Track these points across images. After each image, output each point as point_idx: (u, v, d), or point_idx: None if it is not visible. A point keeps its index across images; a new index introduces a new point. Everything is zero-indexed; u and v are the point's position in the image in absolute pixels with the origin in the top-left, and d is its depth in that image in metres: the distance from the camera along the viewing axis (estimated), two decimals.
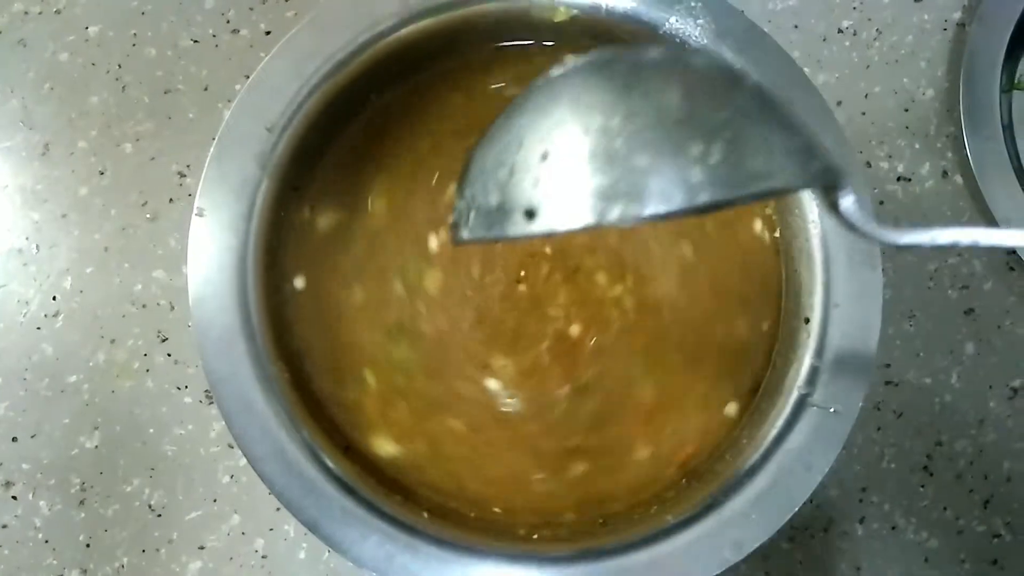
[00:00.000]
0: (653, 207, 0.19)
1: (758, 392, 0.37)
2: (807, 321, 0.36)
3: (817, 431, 0.34)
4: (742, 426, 0.36)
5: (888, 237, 0.24)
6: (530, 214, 0.21)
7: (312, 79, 0.35)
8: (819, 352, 0.35)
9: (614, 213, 0.19)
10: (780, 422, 0.34)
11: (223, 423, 0.41)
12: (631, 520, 0.35)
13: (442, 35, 0.37)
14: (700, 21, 0.35)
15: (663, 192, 0.19)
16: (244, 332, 0.34)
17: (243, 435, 0.33)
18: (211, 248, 0.34)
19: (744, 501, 0.33)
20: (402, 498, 0.36)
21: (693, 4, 0.35)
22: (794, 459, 0.34)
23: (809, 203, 0.36)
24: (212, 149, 0.34)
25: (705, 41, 0.35)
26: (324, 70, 0.35)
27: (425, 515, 0.35)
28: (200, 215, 0.34)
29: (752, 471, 0.34)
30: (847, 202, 0.22)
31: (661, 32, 0.36)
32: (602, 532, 0.35)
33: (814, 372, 0.34)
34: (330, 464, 0.34)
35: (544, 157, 0.21)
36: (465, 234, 0.23)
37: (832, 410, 0.34)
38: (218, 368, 0.33)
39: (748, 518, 0.33)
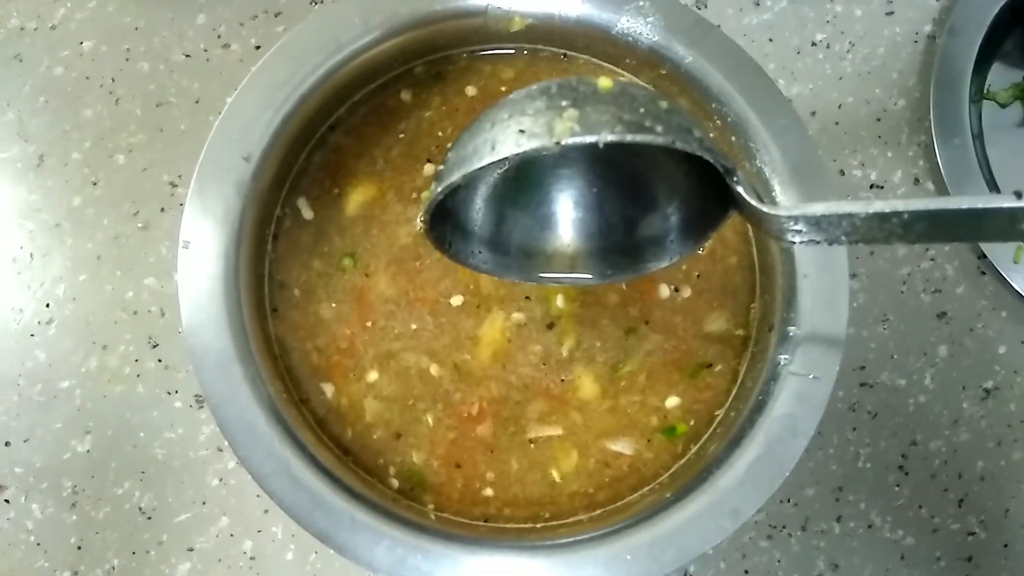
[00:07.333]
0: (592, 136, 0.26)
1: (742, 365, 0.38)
2: (778, 294, 0.37)
3: (799, 398, 0.35)
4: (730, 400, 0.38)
5: (775, 211, 0.27)
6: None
7: (284, 106, 0.36)
8: (794, 322, 0.36)
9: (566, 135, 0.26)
10: (764, 394, 0.35)
11: (212, 427, 0.42)
12: (631, 502, 0.36)
13: (405, 52, 0.39)
14: (650, 19, 0.37)
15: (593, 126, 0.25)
16: (240, 356, 0.35)
17: (249, 456, 0.34)
18: (200, 278, 0.35)
19: (737, 472, 0.34)
20: (408, 501, 0.36)
21: (642, 3, 0.36)
22: (780, 426, 0.35)
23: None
24: (192, 183, 0.35)
25: (656, 38, 0.37)
26: (295, 97, 0.36)
27: (432, 516, 0.36)
28: (186, 247, 0.35)
29: (742, 442, 0.35)
30: (735, 186, 0.27)
31: (613, 32, 0.37)
32: (605, 515, 0.36)
33: (792, 342, 0.36)
34: (336, 476, 0.35)
35: (510, 122, 0.26)
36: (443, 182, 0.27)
37: (811, 376, 0.35)
38: (218, 392, 0.34)
39: (743, 487, 0.34)
